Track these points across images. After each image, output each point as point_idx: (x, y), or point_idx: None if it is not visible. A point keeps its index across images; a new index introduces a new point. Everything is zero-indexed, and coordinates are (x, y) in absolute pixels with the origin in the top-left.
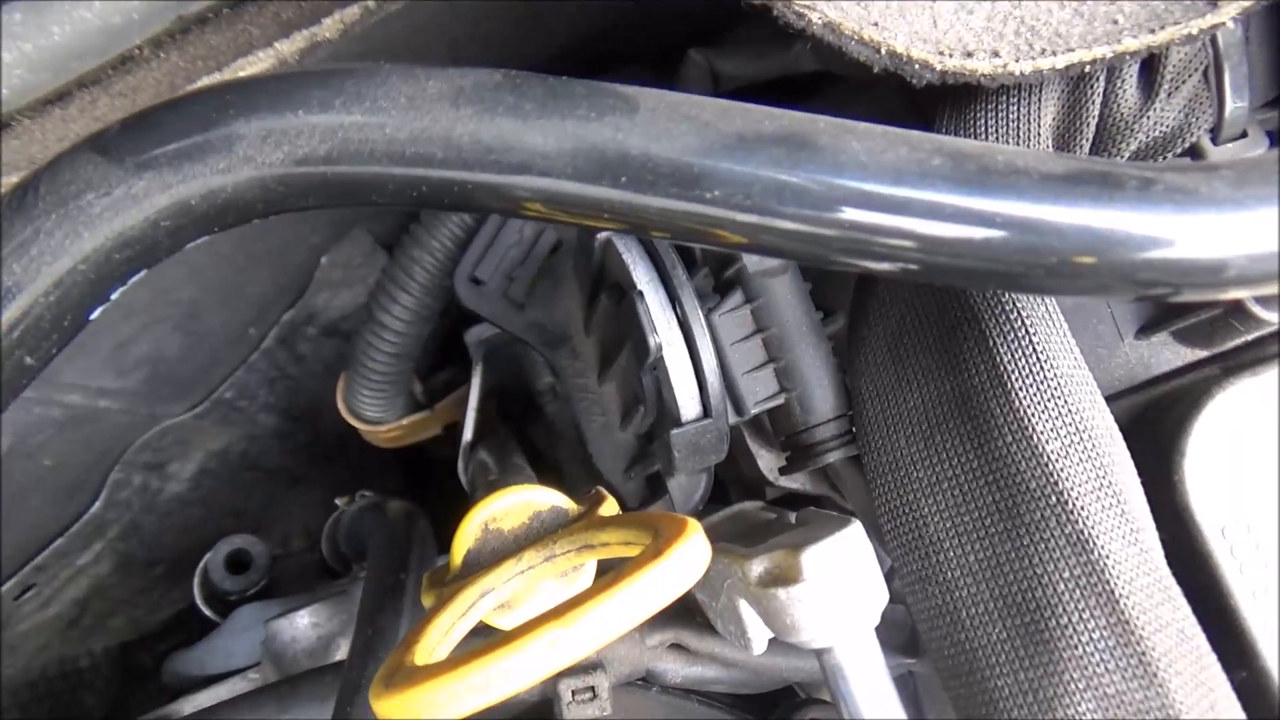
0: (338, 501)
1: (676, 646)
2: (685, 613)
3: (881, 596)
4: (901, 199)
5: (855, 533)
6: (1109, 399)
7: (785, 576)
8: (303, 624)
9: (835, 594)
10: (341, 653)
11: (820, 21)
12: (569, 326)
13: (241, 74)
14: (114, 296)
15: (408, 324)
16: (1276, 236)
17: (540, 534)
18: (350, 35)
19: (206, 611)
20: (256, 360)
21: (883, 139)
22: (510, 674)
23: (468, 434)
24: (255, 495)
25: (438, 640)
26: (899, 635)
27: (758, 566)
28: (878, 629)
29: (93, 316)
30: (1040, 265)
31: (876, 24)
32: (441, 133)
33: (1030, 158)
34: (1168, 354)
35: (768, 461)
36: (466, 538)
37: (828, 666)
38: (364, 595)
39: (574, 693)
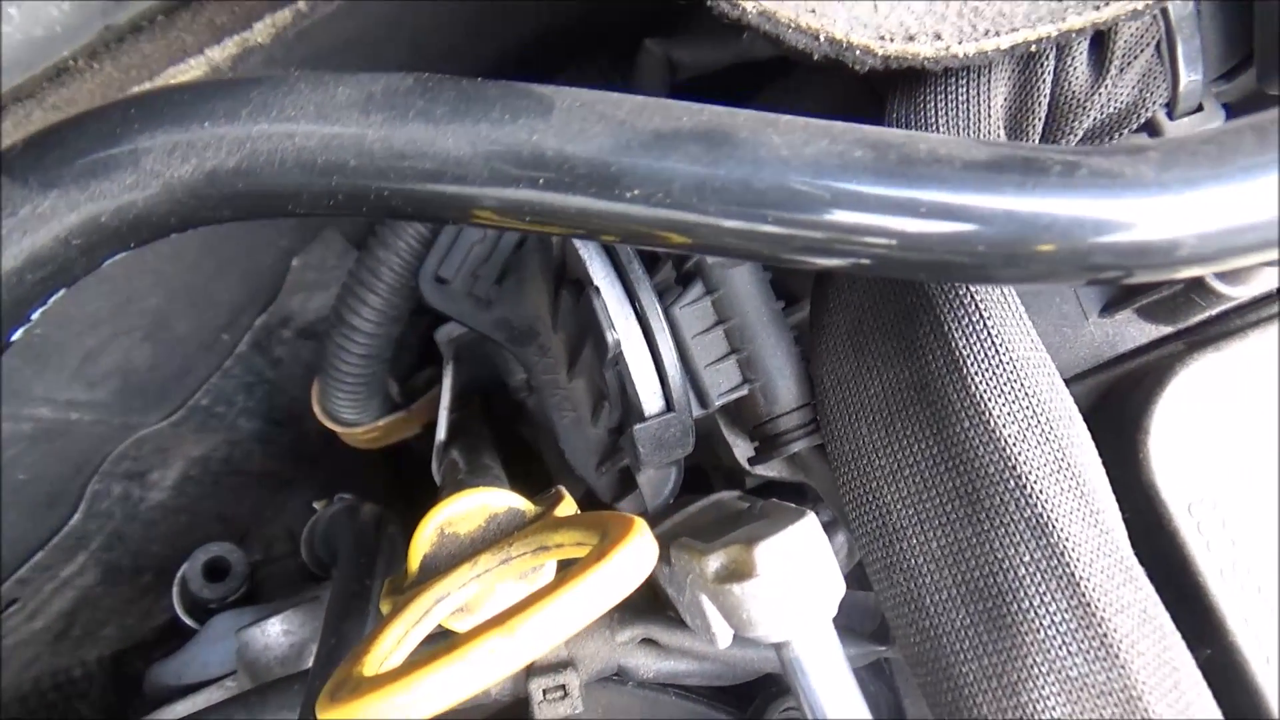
0: (315, 505)
1: (648, 642)
2: (656, 607)
3: (838, 589)
4: (823, 192)
5: (809, 526)
6: (1075, 378)
7: (740, 572)
8: (274, 631)
9: (789, 588)
10: (313, 660)
11: (755, 10)
12: (536, 323)
13: (174, 81)
14: (34, 317)
15: (376, 325)
16: (1206, 218)
17: (497, 537)
18: (283, 40)
19: (187, 621)
20: (231, 366)
21: (804, 132)
22: (452, 684)
23: (441, 433)
24: (243, 500)
25: (390, 648)
26: (872, 622)
27: (714, 562)
28: (851, 616)
29: (13, 339)
30: (965, 254)
31: (814, 10)
32: (352, 140)
33: (954, 145)
34: (1133, 331)
35: (743, 450)
36: (423, 543)
37: (786, 660)
38: (330, 602)
39: (545, 692)
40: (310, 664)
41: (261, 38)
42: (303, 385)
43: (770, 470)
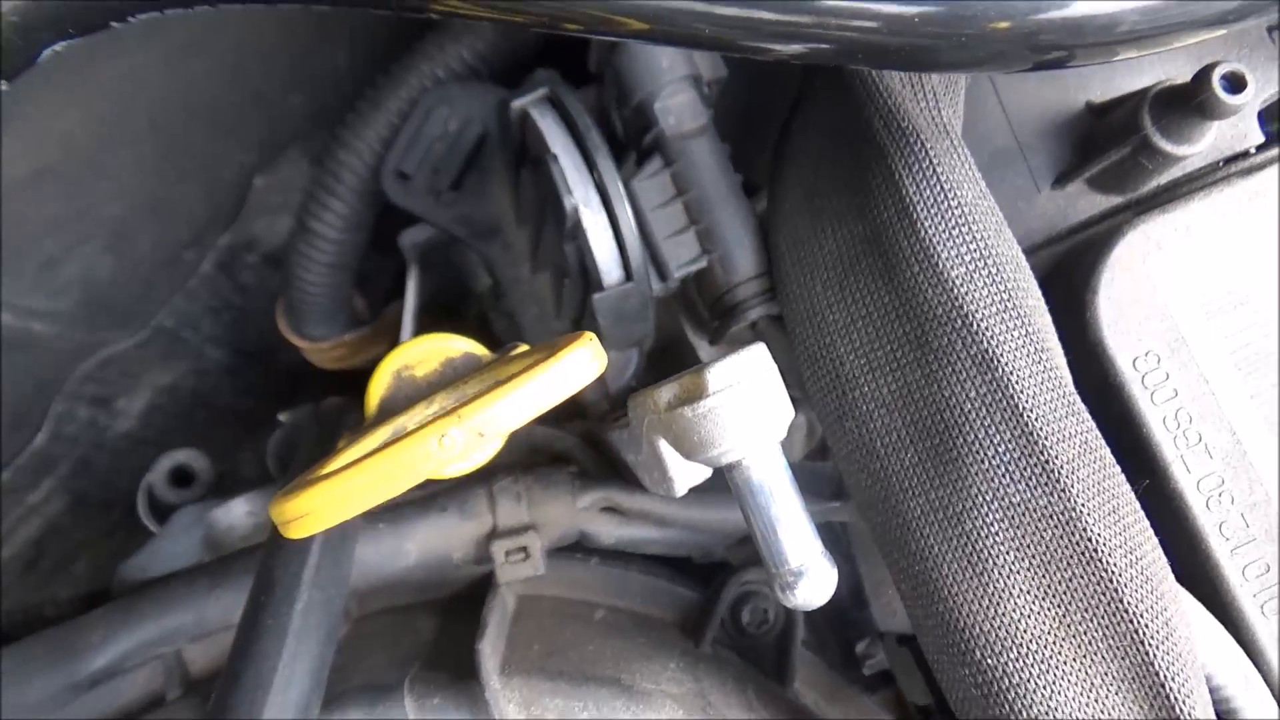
0: (280, 416)
1: (609, 510)
2: (617, 477)
3: (787, 411)
4: None
5: (758, 350)
6: (1030, 250)
7: (691, 395)
8: (239, 512)
9: (739, 405)
10: None
11: None
12: (500, 219)
13: None
14: None
15: (340, 231)
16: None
17: (453, 379)
18: None
19: (153, 527)
20: (196, 287)
21: None
22: (399, 471)
23: (406, 333)
24: (215, 439)
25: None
26: (827, 487)
27: (667, 393)
28: (811, 483)
29: None
30: (924, 35)
31: None
32: None
33: None
34: (1084, 203)
35: (707, 353)
36: (379, 385)
37: (737, 482)
38: (290, 473)
39: (507, 554)
40: None
41: None
42: (271, 316)
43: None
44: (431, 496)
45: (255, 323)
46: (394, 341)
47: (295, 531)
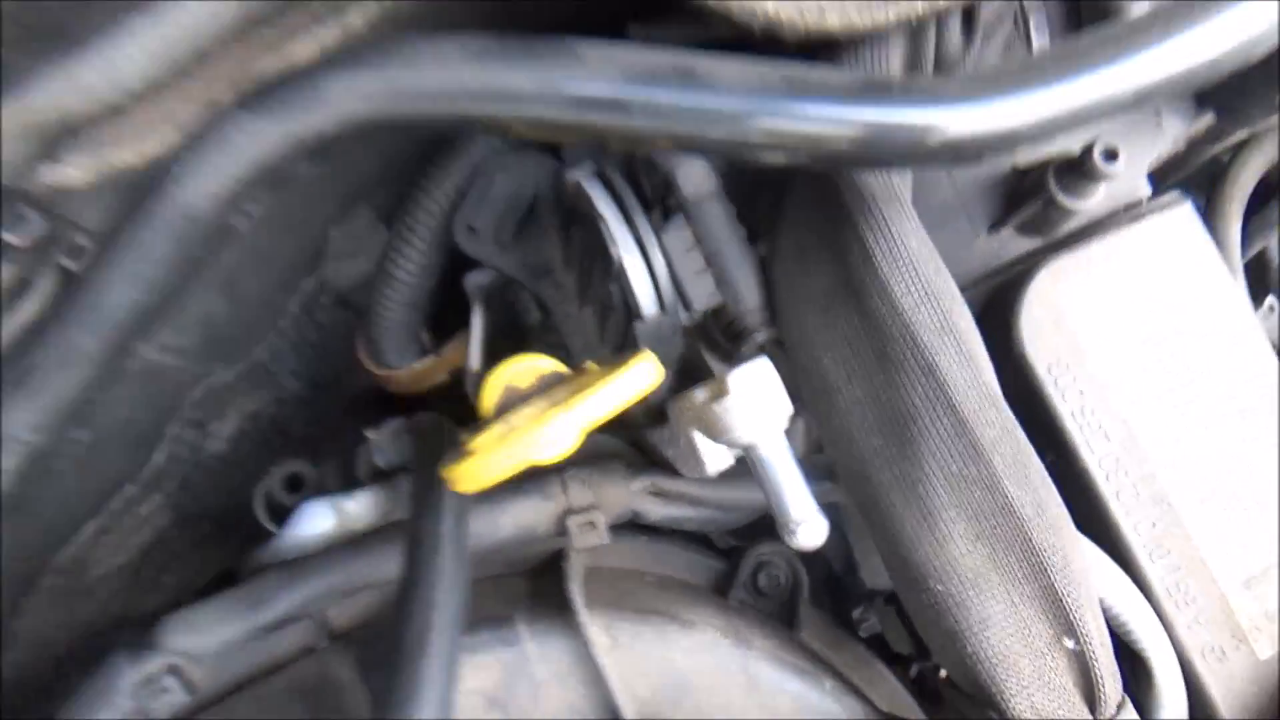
0: (368, 433)
1: (655, 493)
2: (661, 465)
3: (787, 406)
4: (753, 106)
5: (763, 363)
6: (969, 285)
7: (718, 395)
8: (367, 502)
9: (753, 400)
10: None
11: None
12: (551, 264)
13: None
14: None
15: (416, 276)
16: (988, 119)
17: (544, 389)
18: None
19: (270, 526)
20: (285, 325)
21: (740, 66)
22: (540, 439)
23: (474, 362)
24: (291, 458)
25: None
26: (822, 473)
27: (700, 394)
28: (805, 459)
29: None
30: (852, 144)
31: None
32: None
33: (839, 75)
34: (1013, 245)
35: (719, 369)
36: (493, 391)
37: (753, 459)
38: (418, 467)
39: (579, 526)
40: None
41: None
42: (340, 350)
43: None
44: (517, 483)
45: (328, 357)
46: (456, 369)
47: (468, 485)
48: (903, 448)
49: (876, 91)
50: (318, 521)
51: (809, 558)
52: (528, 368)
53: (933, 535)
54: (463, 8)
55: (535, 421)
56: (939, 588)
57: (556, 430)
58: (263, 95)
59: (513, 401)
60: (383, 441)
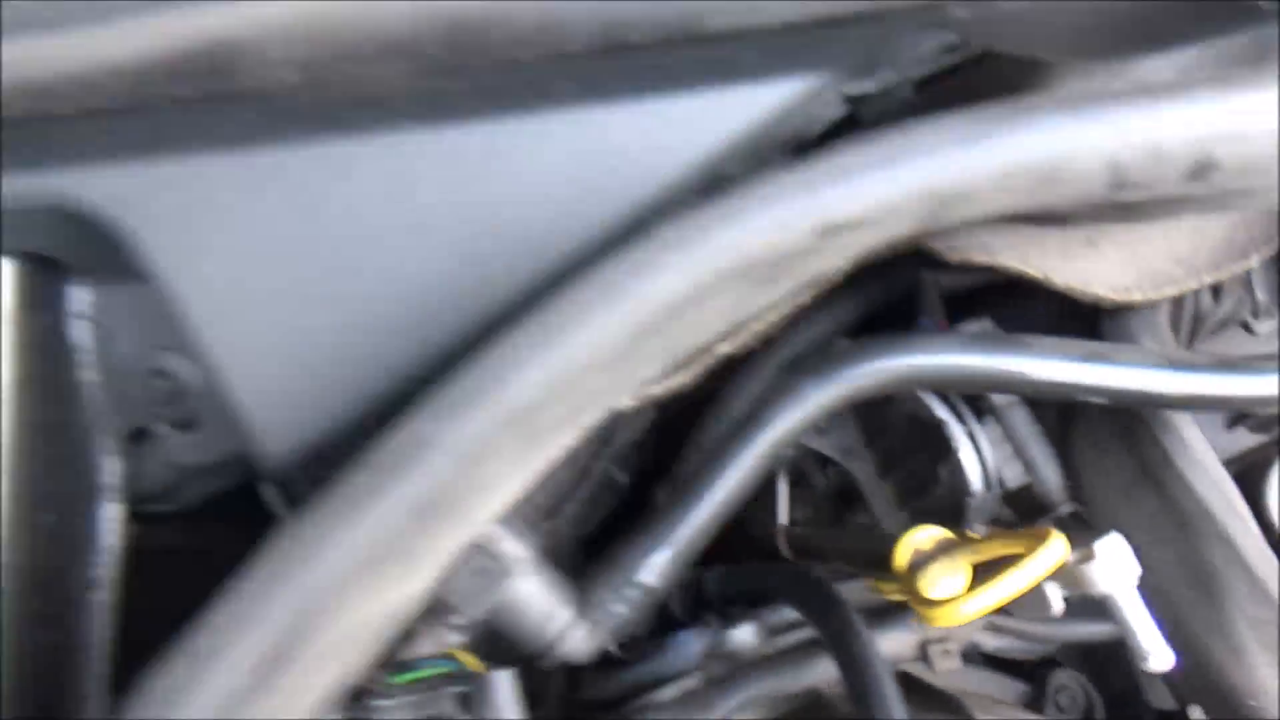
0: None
1: (991, 627)
2: None
3: (1137, 567)
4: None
5: (1117, 537)
6: None
7: (1086, 558)
8: (746, 633)
9: (1113, 563)
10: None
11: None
12: (852, 446)
13: None
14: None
15: None
16: None
17: (944, 550)
18: None
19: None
20: None
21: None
22: (1007, 598)
23: (781, 516)
24: None
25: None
26: None
27: (1072, 556)
28: None
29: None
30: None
31: (1036, 264)
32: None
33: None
34: (1246, 439)
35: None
36: (905, 551)
37: (1112, 606)
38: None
39: (939, 654)
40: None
41: None
42: None
43: None
44: (879, 615)
45: None
46: None
47: (944, 621)
48: (1211, 599)
49: (1229, 367)
50: (682, 653)
51: (1098, 682)
52: (928, 535)
53: (1240, 665)
54: None
55: (1009, 581)
56: (1251, 702)
57: (1012, 588)
58: (827, 363)
59: (921, 561)
60: (719, 576)
